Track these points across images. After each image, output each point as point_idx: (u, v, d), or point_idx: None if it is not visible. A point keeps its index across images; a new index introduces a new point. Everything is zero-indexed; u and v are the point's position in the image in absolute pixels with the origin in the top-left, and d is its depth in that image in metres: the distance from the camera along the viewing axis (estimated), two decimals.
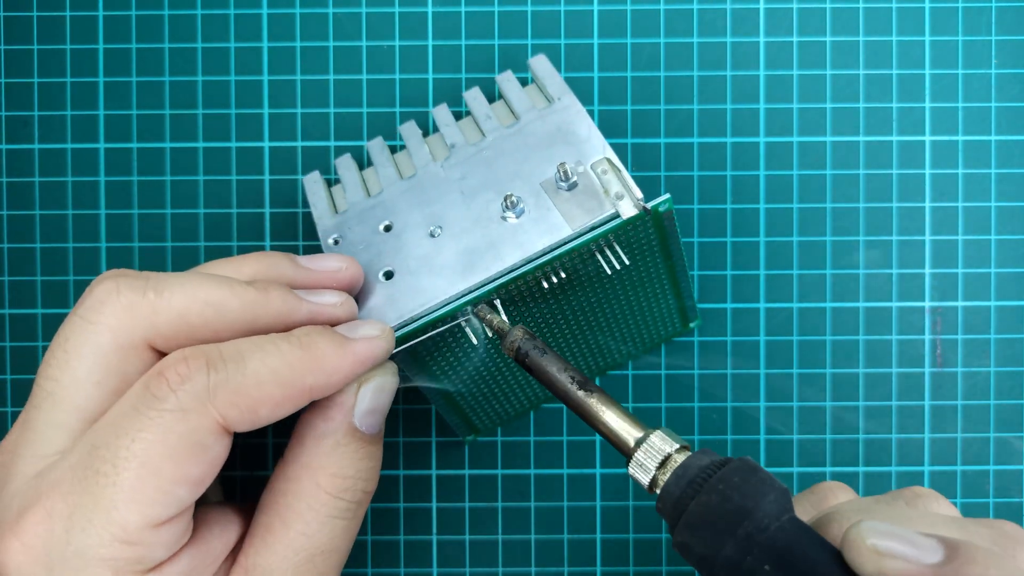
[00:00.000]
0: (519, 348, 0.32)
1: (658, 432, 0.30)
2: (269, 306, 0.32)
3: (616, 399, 0.44)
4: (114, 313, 0.31)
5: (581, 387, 0.32)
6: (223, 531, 0.32)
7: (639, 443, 0.30)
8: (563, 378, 0.32)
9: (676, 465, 0.29)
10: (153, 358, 0.31)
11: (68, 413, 0.31)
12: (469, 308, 0.35)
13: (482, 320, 0.34)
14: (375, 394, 0.33)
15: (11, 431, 0.32)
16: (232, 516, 0.33)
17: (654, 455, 0.29)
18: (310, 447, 0.32)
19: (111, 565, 0.29)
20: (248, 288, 0.32)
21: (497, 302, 0.35)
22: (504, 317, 0.34)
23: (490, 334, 0.35)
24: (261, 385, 0.30)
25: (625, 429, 0.31)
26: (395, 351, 0.34)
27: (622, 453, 0.30)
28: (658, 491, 0.29)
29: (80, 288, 0.44)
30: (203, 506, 0.33)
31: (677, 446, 0.29)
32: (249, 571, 0.32)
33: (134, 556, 0.29)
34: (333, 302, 0.33)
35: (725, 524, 0.26)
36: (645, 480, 0.29)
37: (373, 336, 0.32)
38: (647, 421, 0.44)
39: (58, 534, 0.29)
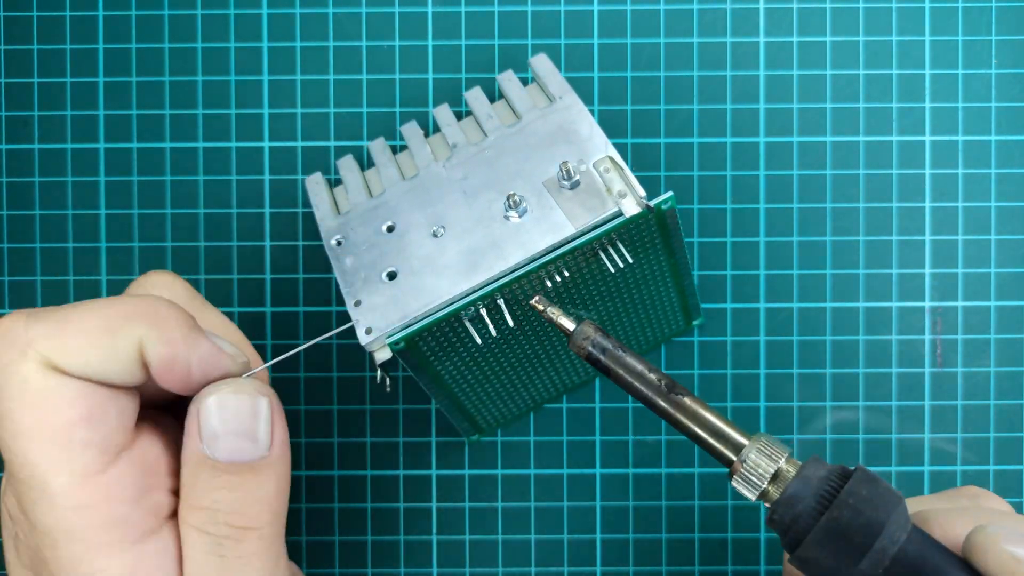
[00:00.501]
0: (593, 346, 0.30)
1: (762, 440, 0.29)
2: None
3: (616, 400, 0.44)
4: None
5: (670, 390, 0.29)
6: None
7: (743, 453, 0.28)
8: (650, 379, 0.30)
9: (791, 477, 0.28)
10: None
11: None
12: (527, 298, 0.33)
13: (540, 314, 0.33)
14: (218, 413, 0.30)
15: None
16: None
17: (764, 468, 0.28)
18: (180, 479, 0.30)
19: (83, 538, 0.28)
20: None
21: (501, 302, 0.35)
22: (565, 311, 0.32)
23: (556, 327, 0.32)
24: (85, 327, 0.28)
25: (724, 437, 0.29)
26: (262, 367, 0.33)
27: (722, 463, 0.29)
28: (769, 503, 0.28)
29: (80, 287, 0.44)
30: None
31: (786, 455, 0.28)
32: None
33: (100, 522, 0.28)
34: (230, 351, 0.31)
35: (860, 539, 0.26)
36: (752, 495, 0.28)
37: (226, 350, 0.31)
38: (648, 422, 0.44)
39: (28, 527, 0.29)
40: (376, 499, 0.44)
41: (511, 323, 0.35)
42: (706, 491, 0.44)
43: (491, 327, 0.36)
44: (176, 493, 0.31)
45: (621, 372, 0.30)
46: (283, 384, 0.44)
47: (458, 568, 0.45)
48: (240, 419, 0.30)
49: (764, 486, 0.28)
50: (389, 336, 0.35)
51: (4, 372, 0.28)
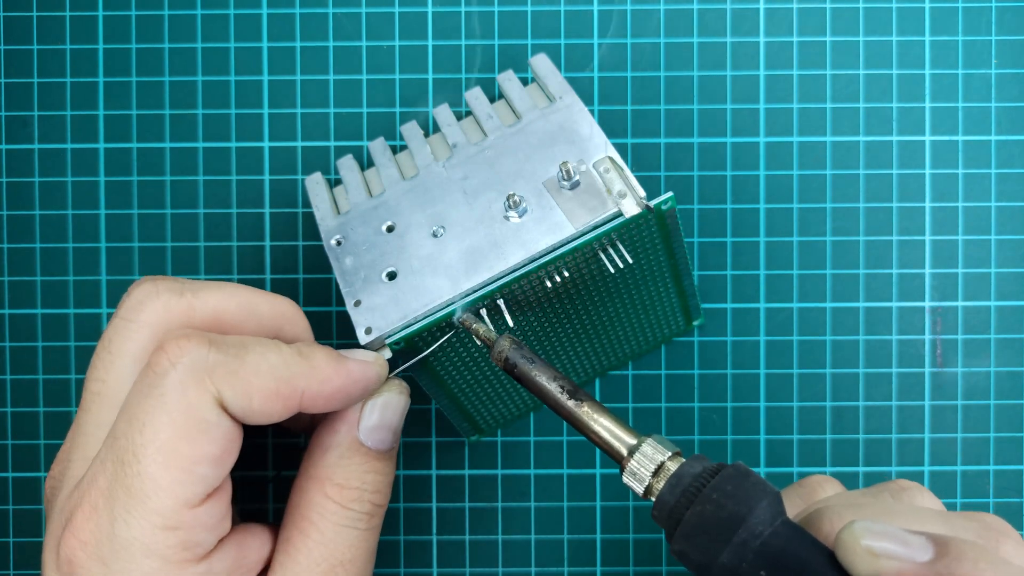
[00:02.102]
0: (507, 359, 0.32)
1: (650, 440, 0.30)
2: (295, 318, 0.35)
3: (616, 400, 0.44)
4: (154, 311, 0.32)
5: (571, 396, 0.32)
6: (256, 540, 0.33)
7: (632, 451, 0.30)
8: (553, 387, 0.32)
9: (670, 473, 0.29)
10: None
11: (114, 412, 0.32)
12: (455, 317, 0.35)
13: (467, 330, 0.35)
14: (380, 411, 0.34)
15: (65, 440, 0.33)
16: (264, 530, 0.34)
17: (647, 464, 0.30)
18: (317, 459, 0.34)
19: (160, 554, 0.30)
20: (280, 299, 0.35)
21: (501, 302, 0.35)
22: (490, 325, 0.34)
23: (478, 343, 0.35)
24: (258, 374, 0.31)
25: (617, 437, 0.31)
26: (398, 370, 0.35)
27: (615, 461, 0.31)
28: (653, 499, 0.29)
29: (80, 288, 0.44)
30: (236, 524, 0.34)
31: (670, 453, 0.30)
32: None
33: (179, 542, 0.30)
34: (370, 359, 0.34)
35: (720, 532, 0.27)
36: (640, 488, 0.30)
37: (367, 360, 0.33)
38: (647, 421, 0.44)
39: (105, 528, 0.30)
40: None
41: (511, 323, 0.35)
42: None
43: (491, 327, 0.36)
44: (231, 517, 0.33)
45: (530, 380, 0.32)
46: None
47: (458, 568, 0.45)
48: (390, 415, 0.34)
49: (648, 480, 0.29)
50: (389, 336, 0.35)
51: (175, 390, 0.30)
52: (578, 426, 0.32)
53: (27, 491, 0.45)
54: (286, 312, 0.35)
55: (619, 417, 0.32)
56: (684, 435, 0.44)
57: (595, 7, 0.44)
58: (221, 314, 0.33)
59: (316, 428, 0.35)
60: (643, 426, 0.44)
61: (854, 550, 0.26)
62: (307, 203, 0.44)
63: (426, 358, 0.36)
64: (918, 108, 0.44)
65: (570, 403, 0.32)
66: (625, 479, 0.30)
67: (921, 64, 0.44)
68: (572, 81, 0.43)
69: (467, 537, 0.45)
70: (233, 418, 0.31)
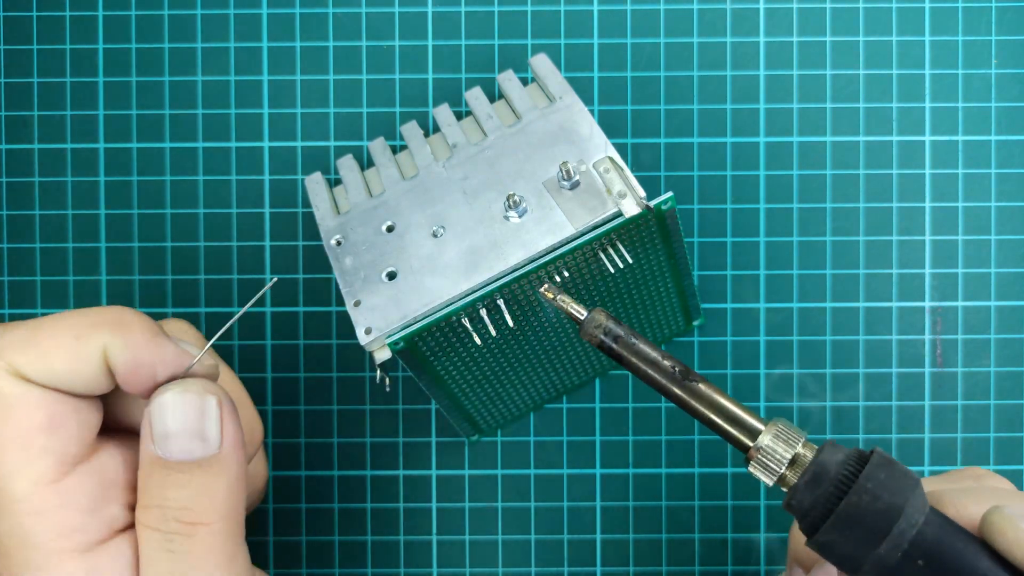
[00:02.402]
0: (607, 331, 0.30)
1: (778, 425, 0.28)
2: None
3: (616, 400, 0.44)
4: None
5: (685, 376, 0.29)
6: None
7: (759, 439, 0.28)
8: (664, 366, 0.29)
9: (808, 461, 0.27)
10: None
11: None
12: (539, 289, 0.32)
13: (550, 302, 0.32)
14: (168, 412, 0.30)
15: None
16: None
17: (781, 453, 0.28)
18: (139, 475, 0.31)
19: (36, 544, 0.28)
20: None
21: (501, 302, 0.35)
22: (571, 301, 0.31)
23: (556, 313, 0.32)
24: (54, 335, 0.29)
25: (740, 423, 0.29)
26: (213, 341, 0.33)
27: (738, 449, 0.28)
28: (786, 488, 0.28)
29: (80, 287, 0.44)
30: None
31: (803, 440, 0.28)
32: None
33: (52, 527, 0.29)
34: (193, 352, 0.31)
35: (879, 523, 0.26)
36: (770, 480, 0.28)
37: (187, 351, 0.31)
38: (647, 421, 0.44)
39: None
40: (376, 499, 0.44)
41: (511, 323, 0.35)
42: (706, 491, 0.44)
43: (491, 327, 0.36)
44: (133, 508, 0.31)
45: (634, 359, 0.29)
46: (283, 384, 0.44)
47: (458, 568, 0.45)
48: (188, 418, 0.30)
49: (782, 471, 0.28)
50: (389, 336, 0.35)
51: None
52: (692, 411, 0.29)
53: None
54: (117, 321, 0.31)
55: (736, 400, 0.29)
56: (684, 435, 0.44)
57: (595, 7, 0.44)
58: None
59: None
60: (643, 426, 0.44)
61: (1013, 532, 0.26)
62: (307, 203, 0.44)
63: (426, 359, 0.36)
64: (918, 108, 0.44)
65: (684, 385, 0.29)
66: (752, 469, 0.28)
67: (921, 64, 0.44)
68: (572, 81, 0.43)
69: (467, 537, 0.45)
70: (47, 386, 0.29)
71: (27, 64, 0.44)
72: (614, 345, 0.29)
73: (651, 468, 0.44)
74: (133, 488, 0.31)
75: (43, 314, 0.44)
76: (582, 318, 0.30)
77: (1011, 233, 0.44)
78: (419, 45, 0.45)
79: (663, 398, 0.44)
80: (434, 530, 0.44)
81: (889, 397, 0.44)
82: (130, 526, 0.31)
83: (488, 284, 0.35)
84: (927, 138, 0.44)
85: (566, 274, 0.35)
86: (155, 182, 0.44)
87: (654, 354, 0.29)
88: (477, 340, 0.36)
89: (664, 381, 0.29)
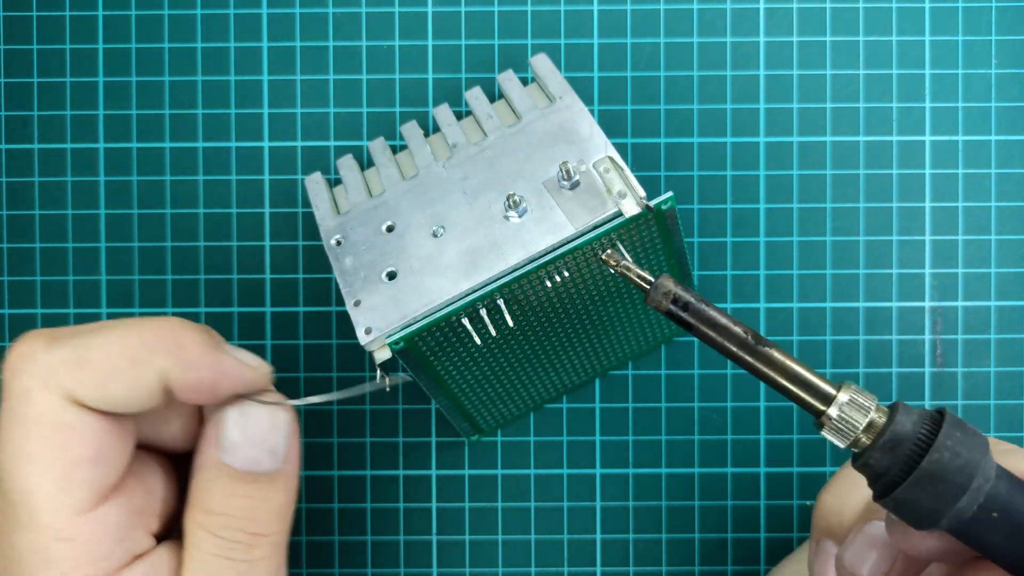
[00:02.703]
0: (675, 301, 0.29)
1: (851, 390, 0.29)
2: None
3: (616, 400, 0.44)
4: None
5: (757, 342, 0.29)
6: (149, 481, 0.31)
7: (834, 404, 0.28)
8: (735, 332, 0.29)
9: (881, 424, 0.28)
10: None
11: None
12: (601, 255, 0.31)
13: (614, 268, 0.31)
14: (245, 425, 0.30)
15: None
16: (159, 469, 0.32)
17: (857, 417, 0.28)
18: (191, 482, 0.31)
19: (60, 567, 0.28)
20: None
21: (501, 302, 0.35)
22: (635, 267, 0.30)
23: (626, 278, 0.30)
24: (108, 358, 0.28)
25: (813, 388, 0.29)
26: (305, 403, 0.34)
27: (812, 413, 0.29)
28: (858, 449, 0.28)
29: (80, 287, 0.44)
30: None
31: (875, 403, 0.28)
32: None
33: (78, 554, 0.28)
34: (252, 363, 0.31)
35: (959, 479, 0.27)
36: (844, 443, 0.28)
37: (247, 362, 0.31)
38: (647, 421, 0.44)
39: (3, 547, 0.29)
40: (376, 499, 0.44)
41: (511, 323, 0.35)
42: (706, 491, 0.44)
43: (491, 327, 0.36)
44: (154, 535, 0.31)
45: (704, 327, 0.29)
46: (283, 384, 0.44)
47: (458, 568, 0.45)
48: (261, 431, 0.31)
49: (857, 435, 0.28)
50: (389, 336, 0.35)
51: (21, 399, 0.28)
52: (765, 378, 0.29)
53: None
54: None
55: (808, 365, 0.29)
56: (684, 435, 0.44)
57: (595, 7, 0.44)
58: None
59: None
60: (643, 426, 0.44)
61: None
62: (307, 203, 0.44)
63: (425, 359, 0.36)
64: (918, 108, 0.44)
65: (757, 351, 0.29)
66: (825, 434, 0.29)
67: (921, 64, 0.44)
68: (572, 81, 0.43)
69: (467, 537, 0.45)
70: (101, 412, 0.29)
71: (27, 64, 0.44)
72: (683, 313, 0.29)
73: (651, 468, 0.44)
74: (155, 513, 0.31)
75: (43, 314, 0.44)
76: (648, 286, 0.30)
77: (1011, 233, 0.44)
78: (419, 45, 0.45)
79: (663, 398, 0.44)
80: (434, 530, 0.45)
81: (889, 397, 0.44)
82: (149, 551, 0.30)
83: (488, 284, 0.35)
84: (927, 138, 0.44)
85: (566, 274, 0.35)
86: (155, 182, 0.44)
87: (724, 321, 0.29)
88: (477, 340, 0.36)
89: (735, 348, 0.29)
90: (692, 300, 0.29)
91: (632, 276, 0.30)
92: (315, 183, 0.40)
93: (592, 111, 0.42)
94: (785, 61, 0.44)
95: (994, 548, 0.28)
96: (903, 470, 0.27)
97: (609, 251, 0.31)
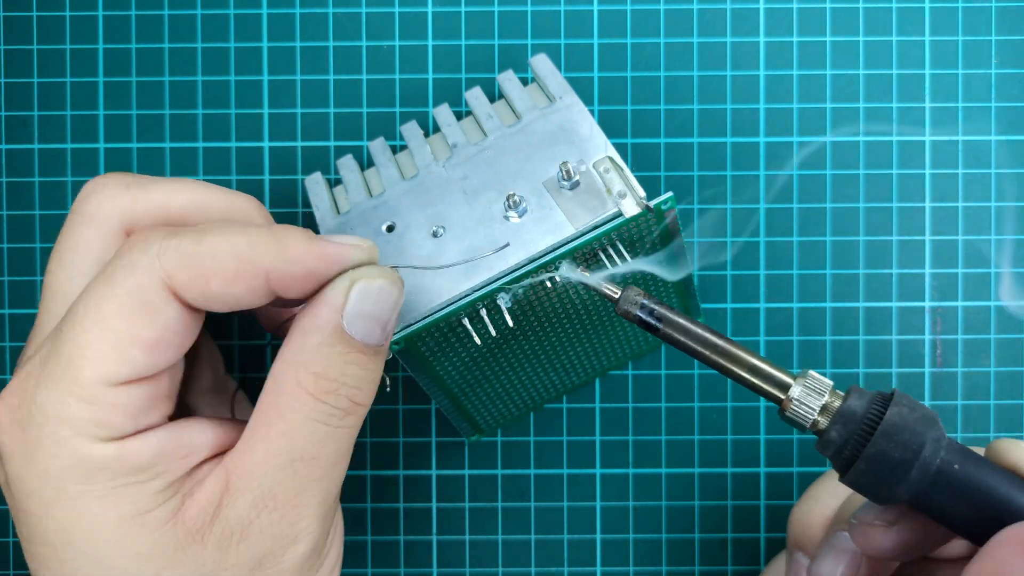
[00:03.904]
0: (641, 308, 0.32)
1: (807, 377, 0.31)
2: (252, 212, 0.34)
3: (616, 400, 0.44)
4: (97, 203, 0.33)
5: (720, 339, 0.32)
6: (205, 433, 0.32)
7: (791, 390, 0.31)
8: (696, 333, 0.32)
9: (836, 408, 0.30)
10: None
11: (62, 303, 0.32)
12: (569, 265, 0.34)
13: (586, 282, 0.33)
14: (366, 296, 0.31)
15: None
16: (221, 426, 0.33)
17: (812, 402, 0.30)
18: (295, 343, 0.31)
19: (70, 424, 0.29)
20: (238, 195, 0.34)
21: (501, 302, 0.35)
22: (608, 283, 0.33)
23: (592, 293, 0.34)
24: (216, 256, 0.30)
25: (773, 379, 0.31)
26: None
27: (773, 402, 0.31)
28: (817, 432, 0.31)
29: None
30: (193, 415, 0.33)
31: (830, 388, 0.31)
32: (229, 472, 0.31)
33: (92, 417, 0.29)
34: (353, 242, 0.32)
35: (907, 455, 0.29)
36: (804, 424, 0.31)
37: (348, 242, 0.32)
38: (647, 421, 0.44)
39: (30, 392, 0.29)
40: (376, 499, 0.44)
41: (511, 323, 0.35)
42: (706, 490, 0.44)
43: (491, 327, 0.36)
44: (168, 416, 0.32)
45: (668, 330, 0.32)
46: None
47: (458, 568, 0.45)
48: (382, 305, 0.31)
49: (814, 417, 0.30)
50: None
51: (125, 268, 0.30)
52: (728, 371, 0.32)
53: None
54: (244, 208, 0.34)
55: (766, 358, 0.32)
56: (684, 435, 0.44)
57: (595, 7, 0.44)
58: (166, 207, 0.33)
59: (296, 314, 0.32)
60: (643, 426, 0.44)
61: (1017, 451, 0.30)
62: (307, 203, 0.44)
63: (425, 359, 0.36)
64: (918, 108, 0.44)
65: (718, 347, 0.31)
66: (786, 420, 0.31)
67: (921, 64, 0.44)
68: (572, 81, 0.43)
69: (467, 537, 0.45)
70: (187, 305, 0.30)
71: (27, 64, 0.44)
72: (650, 319, 0.32)
73: (651, 468, 0.44)
74: (173, 397, 0.32)
75: None
76: (616, 296, 0.32)
77: (1011, 233, 0.44)
78: (419, 45, 0.45)
79: (663, 398, 0.44)
80: (434, 530, 0.45)
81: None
82: (154, 427, 0.31)
83: (488, 284, 0.35)
84: (927, 138, 0.44)
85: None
86: None
87: (689, 324, 0.32)
88: (477, 340, 0.36)
89: (700, 347, 0.32)
90: (657, 307, 0.32)
91: (601, 289, 0.33)
92: (315, 183, 0.40)
93: (592, 111, 0.42)
94: (785, 61, 0.44)
95: (949, 514, 0.30)
96: (856, 449, 0.30)
97: (582, 266, 0.34)
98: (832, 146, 0.44)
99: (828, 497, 0.37)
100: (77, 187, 0.44)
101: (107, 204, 0.33)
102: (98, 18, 0.45)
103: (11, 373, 0.44)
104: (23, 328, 0.44)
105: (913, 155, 0.44)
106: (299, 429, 0.31)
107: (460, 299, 0.35)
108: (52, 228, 0.44)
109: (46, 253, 0.44)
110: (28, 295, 0.44)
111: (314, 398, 0.31)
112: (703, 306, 0.44)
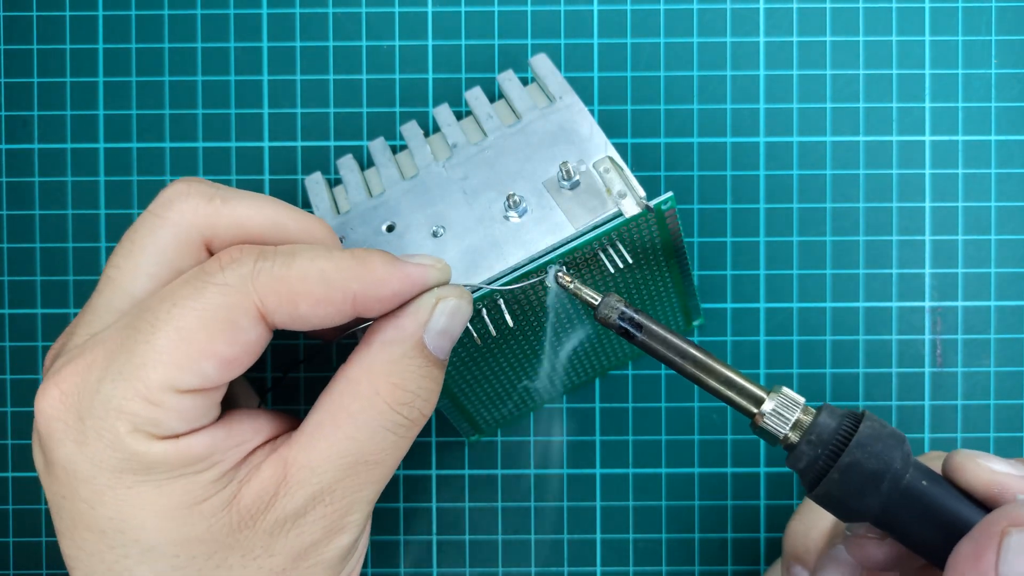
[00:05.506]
0: (620, 316, 0.32)
1: (780, 392, 0.31)
2: (326, 235, 0.34)
3: (616, 400, 0.44)
4: (180, 210, 0.33)
5: (695, 350, 0.32)
6: (254, 423, 0.33)
7: (764, 405, 0.31)
8: (673, 343, 0.32)
9: (807, 424, 0.31)
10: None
11: (122, 298, 0.32)
12: (553, 270, 0.34)
13: (566, 288, 0.34)
14: (449, 316, 0.32)
15: (75, 317, 0.34)
16: (267, 415, 0.33)
17: (784, 417, 0.31)
18: (376, 352, 0.32)
19: (129, 419, 0.29)
20: (311, 217, 0.34)
21: (501, 302, 0.35)
22: (584, 288, 0.34)
23: (575, 299, 0.34)
24: (305, 279, 0.30)
25: (747, 392, 0.32)
26: (479, 286, 0.35)
27: (745, 415, 0.32)
28: (788, 449, 0.31)
29: (80, 287, 0.44)
30: (237, 407, 0.34)
31: (802, 405, 0.31)
32: (288, 464, 0.32)
33: (151, 417, 0.29)
34: (430, 262, 0.33)
35: (873, 474, 0.29)
36: (776, 439, 0.31)
37: (426, 263, 0.33)
38: (648, 421, 0.44)
39: (91, 383, 0.30)
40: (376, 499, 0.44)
41: (511, 323, 0.35)
42: (706, 491, 0.44)
43: (491, 327, 0.36)
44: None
45: (646, 339, 0.32)
46: (283, 384, 0.44)
47: (458, 568, 0.45)
48: (457, 323, 0.33)
49: (785, 432, 0.31)
50: None
51: (219, 289, 0.30)
52: (701, 382, 0.32)
53: (27, 491, 0.45)
54: (315, 232, 0.34)
55: (741, 372, 0.32)
56: (684, 435, 0.44)
57: (595, 7, 0.44)
58: (246, 223, 0.33)
59: (373, 324, 0.33)
60: (643, 426, 0.44)
61: (972, 470, 0.30)
62: (307, 203, 0.44)
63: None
64: (918, 108, 0.44)
65: (695, 359, 0.32)
66: (758, 434, 0.31)
67: (921, 64, 0.44)
68: (572, 81, 0.43)
69: (467, 537, 0.45)
70: (270, 327, 0.31)
71: (27, 64, 0.44)
72: (627, 326, 0.32)
73: (651, 468, 0.44)
74: (220, 401, 0.32)
75: (43, 314, 0.44)
76: (596, 303, 0.33)
77: (1011, 233, 0.44)
78: (419, 45, 0.45)
79: (663, 398, 0.44)
80: (434, 530, 0.45)
81: (889, 397, 0.44)
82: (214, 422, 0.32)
83: (488, 284, 0.35)
84: (927, 138, 0.44)
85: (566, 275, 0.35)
86: (155, 182, 0.44)
87: (664, 333, 0.32)
88: (477, 340, 0.36)
89: (675, 357, 0.32)
90: (636, 315, 0.32)
91: (582, 295, 0.33)
92: (315, 183, 0.40)
93: (592, 111, 0.42)
94: (785, 61, 0.44)
95: (913, 536, 0.30)
96: (824, 467, 0.30)
97: (561, 272, 0.34)
98: (832, 146, 0.44)
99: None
100: (77, 187, 0.44)
101: (190, 213, 0.33)
102: (98, 18, 0.45)
103: (10, 373, 0.44)
104: (23, 328, 0.44)
105: (913, 155, 0.44)
106: (369, 435, 0.32)
107: None
108: (52, 228, 0.44)
109: (46, 253, 0.44)
110: (28, 295, 0.44)
111: (390, 407, 0.32)
112: (703, 306, 0.44)
